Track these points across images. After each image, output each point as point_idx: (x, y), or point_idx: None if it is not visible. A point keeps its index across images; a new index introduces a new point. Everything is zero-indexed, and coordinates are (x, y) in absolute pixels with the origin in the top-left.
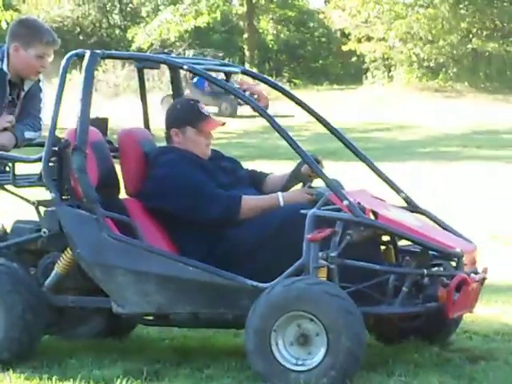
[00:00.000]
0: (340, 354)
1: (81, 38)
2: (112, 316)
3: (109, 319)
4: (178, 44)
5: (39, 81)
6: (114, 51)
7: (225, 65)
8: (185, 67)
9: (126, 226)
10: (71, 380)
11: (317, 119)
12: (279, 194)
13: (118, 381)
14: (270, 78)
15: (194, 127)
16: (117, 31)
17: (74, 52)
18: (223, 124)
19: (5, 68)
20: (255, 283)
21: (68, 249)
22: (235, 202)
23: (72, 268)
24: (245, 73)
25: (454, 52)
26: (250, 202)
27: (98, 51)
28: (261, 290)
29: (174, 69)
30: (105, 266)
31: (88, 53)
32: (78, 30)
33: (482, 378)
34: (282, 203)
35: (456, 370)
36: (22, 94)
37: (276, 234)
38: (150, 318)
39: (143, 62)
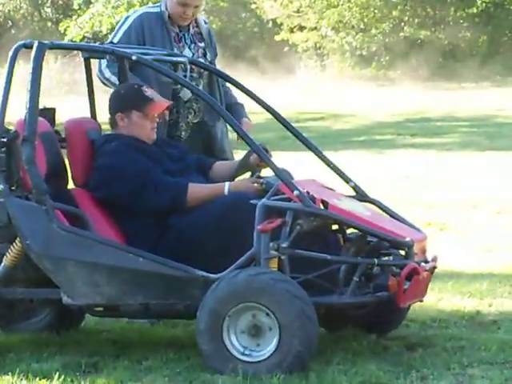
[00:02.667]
0: (289, 356)
1: (13, 31)
2: (61, 308)
3: (58, 311)
4: (109, 36)
5: None
6: (61, 42)
7: (172, 55)
8: (133, 57)
9: (75, 216)
10: (9, 374)
11: (265, 109)
12: (226, 183)
13: (57, 374)
14: (216, 68)
15: (139, 111)
16: (49, 24)
17: (21, 42)
18: (168, 106)
19: (164, 10)
20: (205, 274)
21: (17, 240)
22: (182, 190)
23: (21, 260)
24: (192, 62)
25: (387, 40)
26: (197, 189)
27: (46, 42)
28: (211, 281)
29: (121, 59)
30: (54, 257)
31: (36, 43)
32: (10, 23)
33: (420, 364)
34: (227, 192)
35: (394, 358)
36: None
37: (220, 222)
38: (101, 309)
39: (90, 53)
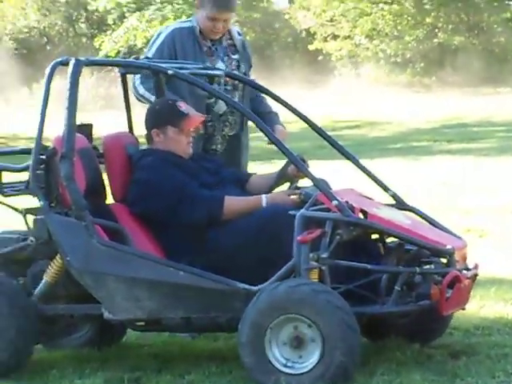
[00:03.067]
0: (332, 367)
1: (48, 47)
2: (102, 323)
3: (99, 327)
4: (145, 50)
5: None
6: (97, 58)
7: (208, 68)
8: (170, 72)
9: (114, 231)
10: None
11: (301, 118)
12: (263, 195)
13: None
14: (251, 79)
15: (174, 126)
16: (83, 40)
17: (58, 60)
18: (203, 121)
19: (195, 25)
20: (247, 286)
21: (57, 256)
22: (218, 203)
23: (62, 276)
24: (228, 75)
25: (421, 47)
26: (233, 202)
27: (83, 58)
28: (252, 293)
29: (157, 74)
30: (95, 272)
31: (72, 60)
32: (45, 40)
33: (464, 373)
34: (264, 205)
35: (438, 367)
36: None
37: (258, 235)
38: (142, 323)
39: (126, 68)
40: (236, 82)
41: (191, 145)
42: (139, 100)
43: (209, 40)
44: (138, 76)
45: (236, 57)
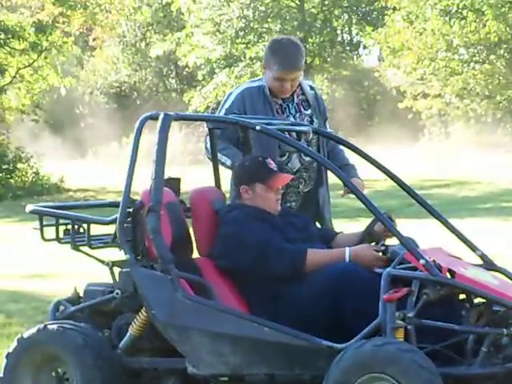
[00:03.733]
0: None
1: (138, 102)
2: (186, 377)
3: (183, 381)
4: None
5: None
6: (186, 113)
7: (296, 124)
8: (257, 128)
9: (199, 286)
10: None
11: (389, 176)
12: (347, 248)
13: None
14: (341, 136)
15: (263, 183)
16: (173, 94)
17: (147, 114)
18: (292, 179)
19: (264, 84)
20: (330, 344)
21: (142, 310)
22: (301, 255)
23: (146, 329)
24: (316, 132)
25: None
26: (316, 255)
27: (172, 113)
28: (337, 351)
29: (245, 129)
30: (180, 326)
31: (162, 115)
32: (136, 94)
33: None
34: (347, 258)
35: None
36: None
37: (323, 294)
38: (226, 378)
39: (215, 123)
40: (309, 138)
41: (279, 202)
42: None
43: (280, 98)
44: (209, 138)
45: (308, 112)
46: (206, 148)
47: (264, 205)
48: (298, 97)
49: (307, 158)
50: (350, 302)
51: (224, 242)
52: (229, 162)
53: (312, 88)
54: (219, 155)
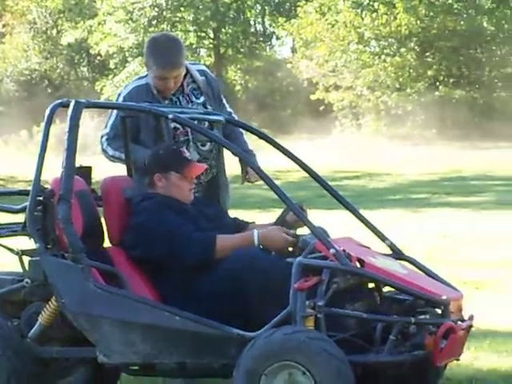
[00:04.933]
0: None
1: (49, 90)
2: (97, 367)
3: (93, 370)
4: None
5: None
6: (98, 100)
7: (209, 113)
8: (170, 116)
9: (111, 275)
10: None
11: (302, 167)
12: (255, 231)
13: None
14: (254, 126)
15: (177, 172)
16: (85, 83)
17: (58, 101)
18: (206, 169)
19: (148, 79)
20: (241, 332)
21: (52, 299)
22: (210, 242)
23: (56, 318)
24: (229, 121)
25: (422, 100)
26: (225, 240)
27: (83, 100)
28: (247, 340)
29: (158, 118)
30: (91, 315)
31: (73, 102)
32: (46, 82)
33: None
34: (256, 241)
35: None
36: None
37: (238, 279)
38: (136, 367)
39: (127, 112)
40: (211, 125)
41: (193, 191)
42: (112, 161)
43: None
44: (105, 139)
45: (201, 100)
46: (103, 149)
47: (178, 194)
48: (188, 86)
49: (205, 148)
50: (255, 288)
51: (135, 232)
52: (123, 157)
53: (203, 73)
54: (117, 154)
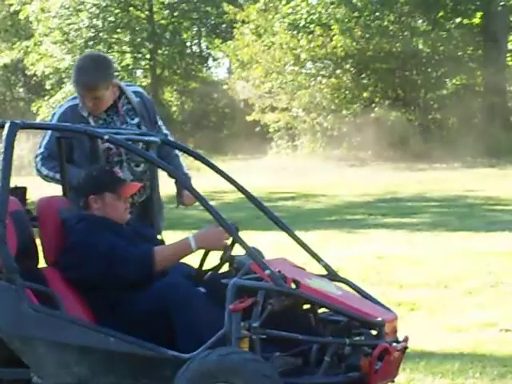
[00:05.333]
0: None
1: None
2: None
3: None
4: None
5: None
6: (33, 122)
7: (144, 134)
8: (105, 137)
9: (45, 296)
10: None
11: (237, 188)
12: (190, 236)
13: None
14: (189, 147)
15: (112, 192)
16: (21, 104)
17: None
18: (140, 188)
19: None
20: (176, 354)
21: None
22: (148, 256)
23: None
24: (165, 142)
25: (357, 121)
26: (163, 252)
27: (18, 121)
28: (183, 361)
29: (93, 139)
30: (25, 337)
31: (8, 123)
32: None
33: None
34: (193, 247)
35: None
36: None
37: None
38: None
39: (62, 133)
40: (146, 144)
41: (128, 211)
42: (47, 181)
43: (103, 112)
44: (39, 159)
45: (135, 121)
46: (37, 169)
47: (113, 214)
48: (123, 107)
49: (139, 169)
50: (182, 318)
51: (70, 254)
52: (58, 176)
53: (138, 94)
54: (51, 174)
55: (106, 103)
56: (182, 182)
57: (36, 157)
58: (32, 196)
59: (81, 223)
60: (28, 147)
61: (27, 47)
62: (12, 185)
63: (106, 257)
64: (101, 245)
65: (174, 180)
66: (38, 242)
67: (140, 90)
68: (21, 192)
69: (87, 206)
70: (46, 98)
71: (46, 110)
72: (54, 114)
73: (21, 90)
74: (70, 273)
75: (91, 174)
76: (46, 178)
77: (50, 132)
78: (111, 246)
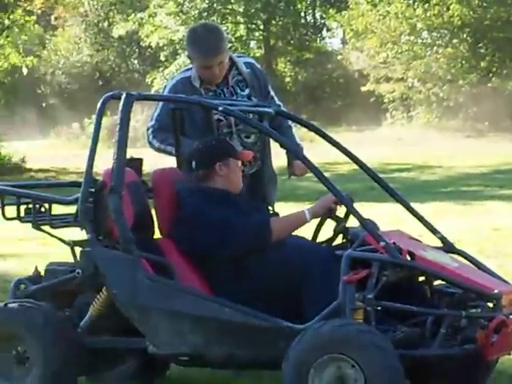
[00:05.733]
0: None
1: (100, 82)
2: (147, 357)
3: (143, 360)
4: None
5: None
6: (148, 93)
7: (258, 105)
8: (220, 108)
9: (161, 266)
10: None
11: (352, 159)
12: (305, 208)
13: None
14: (303, 118)
15: (235, 158)
16: (136, 75)
17: (109, 94)
18: (252, 157)
19: (193, 71)
20: (291, 325)
21: (103, 289)
22: (264, 226)
23: (107, 308)
24: (278, 113)
25: (474, 91)
26: (279, 222)
27: (134, 93)
28: (297, 332)
29: (207, 110)
30: (140, 306)
31: (124, 94)
32: (98, 74)
33: None
34: (308, 218)
35: None
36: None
37: (298, 274)
38: (185, 358)
39: (177, 104)
40: (259, 116)
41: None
42: (158, 152)
43: (214, 84)
44: (150, 131)
45: (246, 93)
46: (149, 142)
47: (236, 180)
48: (233, 78)
49: (249, 140)
50: (311, 282)
51: (183, 226)
52: (169, 148)
53: (249, 65)
54: (163, 146)
55: (223, 73)
56: (295, 152)
57: (148, 129)
58: (147, 167)
59: (196, 195)
60: (143, 119)
61: (142, 19)
62: (128, 156)
63: (219, 229)
64: (215, 217)
65: (285, 151)
66: (153, 212)
67: (251, 60)
68: (137, 163)
69: (211, 175)
70: (160, 69)
71: (161, 82)
72: (166, 86)
73: (135, 61)
74: (183, 244)
75: (210, 143)
76: (157, 150)
77: (161, 104)
78: (226, 218)
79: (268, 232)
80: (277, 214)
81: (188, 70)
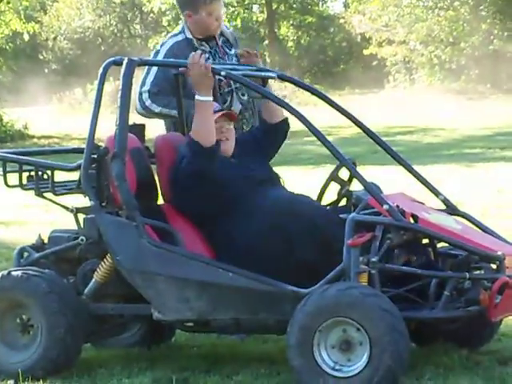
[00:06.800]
0: (380, 370)
1: (102, 48)
2: (152, 323)
3: (148, 327)
4: None
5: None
6: (150, 58)
7: (261, 70)
8: (222, 73)
9: (164, 232)
10: None
11: (355, 123)
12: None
13: None
14: (306, 83)
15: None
16: (138, 41)
17: (111, 59)
18: (237, 120)
19: (189, 36)
20: (296, 289)
21: (107, 256)
22: (191, 142)
23: (111, 275)
24: (281, 77)
25: (476, 53)
26: (193, 127)
27: (136, 58)
28: (302, 296)
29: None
30: (145, 272)
31: (126, 60)
32: (100, 40)
33: None
34: (200, 97)
35: (486, 373)
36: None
37: (272, 232)
38: (191, 324)
39: (177, 69)
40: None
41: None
42: (155, 117)
43: (206, 45)
44: (147, 96)
45: (232, 52)
46: (147, 106)
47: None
48: (219, 38)
49: (244, 98)
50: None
51: (173, 189)
52: (174, 112)
53: (228, 27)
54: (166, 110)
55: (221, 25)
56: (296, 112)
57: (141, 94)
58: (149, 133)
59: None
60: None
61: None
62: (130, 122)
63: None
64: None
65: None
66: (156, 178)
67: (227, 25)
68: (139, 129)
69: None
70: (162, 34)
71: None
72: (158, 51)
73: (137, 26)
74: (178, 207)
75: None
76: (158, 115)
77: (154, 69)
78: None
79: (193, 142)
80: (278, 177)
81: (176, 35)
